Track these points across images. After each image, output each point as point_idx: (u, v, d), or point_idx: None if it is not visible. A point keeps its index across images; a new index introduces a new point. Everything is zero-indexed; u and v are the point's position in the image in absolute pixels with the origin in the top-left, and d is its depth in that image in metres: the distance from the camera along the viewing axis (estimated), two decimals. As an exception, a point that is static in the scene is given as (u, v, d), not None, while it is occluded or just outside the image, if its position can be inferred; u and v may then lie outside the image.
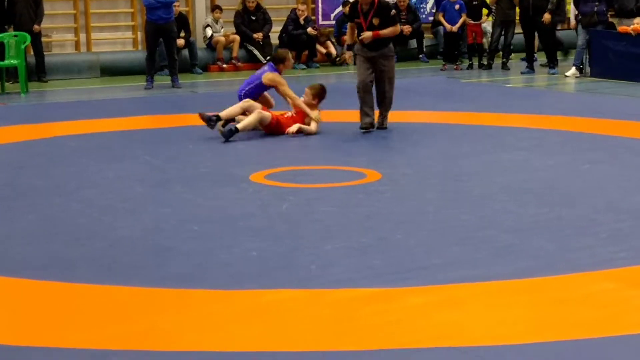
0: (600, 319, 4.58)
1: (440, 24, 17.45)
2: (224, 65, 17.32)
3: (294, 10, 17.94)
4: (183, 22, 16.66)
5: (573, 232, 6.09)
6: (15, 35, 14.64)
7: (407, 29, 17.69)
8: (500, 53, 17.09)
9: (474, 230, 6.16)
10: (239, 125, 9.82)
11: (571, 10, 17.22)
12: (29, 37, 14.71)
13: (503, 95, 13.58)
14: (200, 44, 17.39)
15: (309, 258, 5.57)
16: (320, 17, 18.82)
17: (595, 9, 15.26)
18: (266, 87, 10.57)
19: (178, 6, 16.08)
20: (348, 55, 11.00)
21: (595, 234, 6.03)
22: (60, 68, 16.23)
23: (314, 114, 10.21)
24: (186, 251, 5.78)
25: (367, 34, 10.02)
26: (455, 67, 17.05)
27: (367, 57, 10.16)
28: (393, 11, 10.29)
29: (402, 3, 17.82)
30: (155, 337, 4.44)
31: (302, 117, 10.26)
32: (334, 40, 18.36)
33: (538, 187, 7.42)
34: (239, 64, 17.34)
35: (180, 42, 16.26)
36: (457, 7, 16.97)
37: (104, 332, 4.46)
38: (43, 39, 15.98)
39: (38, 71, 15.76)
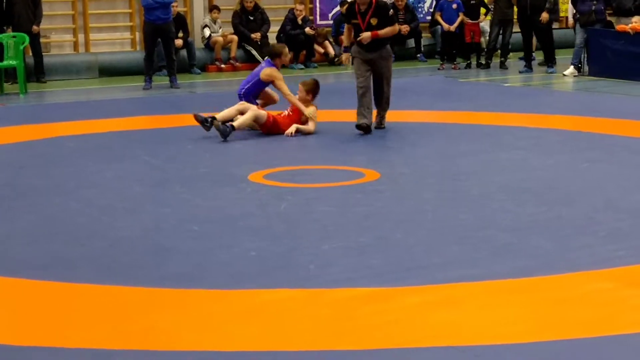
0: (599, 318, 4.59)
1: (438, 23, 17.45)
2: (222, 66, 17.31)
3: (291, 10, 17.92)
4: (181, 22, 16.65)
5: (572, 231, 6.10)
6: (14, 36, 14.61)
7: (404, 28, 17.66)
8: (498, 52, 17.10)
9: (473, 229, 6.17)
10: (234, 123, 9.82)
11: (569, 9, 17.18)
12: (27, 38, 14.68)
13: (501, 95, 13.58)
14: (198, 44, 17.38)
15: (307, 258, 5.58)
16: (318, 17, 18.81)
17: (593, 7, 15.25)
18: (265, 84, 10.58)
19: (176, 6, 16.06)
20: (345, 57, 10.60)
21: (594, 233, 6.04)
22: (58, 69, 16.21)
23: (308, 110, 10.19)
24: (185, 251, 5.79)
25: (366, 35, 9.97)
26: (453, 66, 17.05)
27: (365, 59, 10.12)
28: (391, 11, 10.28)
29: (399, 2, 17.78)
30: (154, 336, 4.44)
31: (299, 115, 10.23)
32: (332, 40, 18.35)
33: (536, 186, 7.43)
34: (237, 64, 17.33)
35: (179, 42, 16.25)
36: (454, 6, 16.96)
37: (103, 332, 4.47)
38: (42, 40, 15.96)
39: (37, 72, 15.73)
